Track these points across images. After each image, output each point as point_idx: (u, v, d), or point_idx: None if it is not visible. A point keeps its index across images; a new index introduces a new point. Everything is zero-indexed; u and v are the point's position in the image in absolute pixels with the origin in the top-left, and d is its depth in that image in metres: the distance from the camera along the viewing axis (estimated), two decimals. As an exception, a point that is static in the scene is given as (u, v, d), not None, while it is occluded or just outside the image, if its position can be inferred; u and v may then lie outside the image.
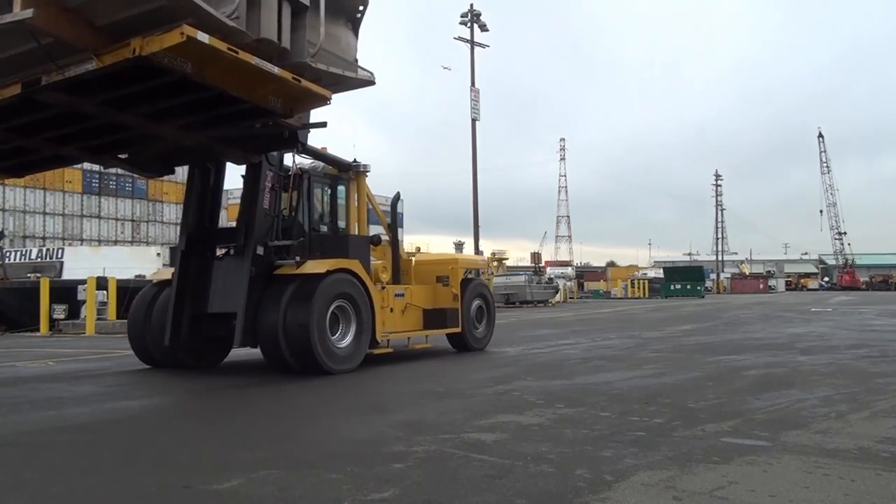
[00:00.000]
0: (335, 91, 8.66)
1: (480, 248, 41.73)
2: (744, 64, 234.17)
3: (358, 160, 11.38)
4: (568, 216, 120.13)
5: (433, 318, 11.90)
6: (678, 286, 62.56)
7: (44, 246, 31.44)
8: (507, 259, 54.62)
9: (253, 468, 4.53)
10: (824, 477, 4.20)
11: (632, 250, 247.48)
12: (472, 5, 39.88)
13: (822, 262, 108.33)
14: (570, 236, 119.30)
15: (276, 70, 7.29)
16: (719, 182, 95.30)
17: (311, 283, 9.11)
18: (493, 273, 45.23)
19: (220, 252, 10.23)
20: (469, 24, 39.86)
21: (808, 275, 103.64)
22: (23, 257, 26.27)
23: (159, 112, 8.03)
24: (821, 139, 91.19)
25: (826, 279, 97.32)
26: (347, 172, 11.27)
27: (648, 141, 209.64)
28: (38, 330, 19.85)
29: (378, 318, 10.27)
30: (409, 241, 43.99)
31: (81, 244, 34.61)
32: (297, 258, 9.46)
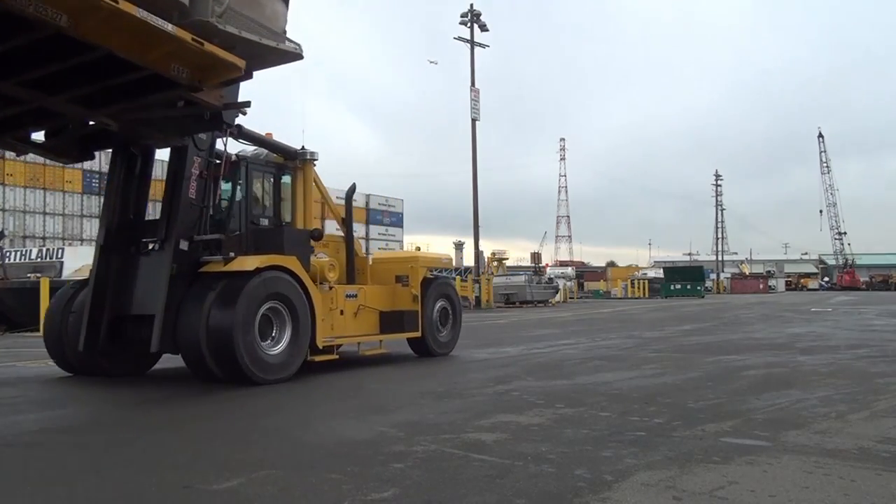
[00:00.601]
0: (259, 66, 7.83)
1: (481, 248, 41.78)
2: (744, 64, 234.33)
3: (306, 147, 10.52)
4: (568, 216, 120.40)
5: (390, 322, 10.97)
6: (678, 286, 62.57)
7: (44, 246, 31.43)
8: (507, 259, 54.64)
9: (253, 468, 4.53)
10: (824, 477, 4.20)
11: (632, 250, 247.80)
12: (472, 5, 39.91)
13: (822, 262, 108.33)
14: (570, 236, 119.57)
15: (169, 27, 6.37)
16: (719, 182, 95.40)
17: (239, 283, 8.26)
18: (493, 273, 45.28)
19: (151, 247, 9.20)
20: (469, 24, 39.89)
21: (808, 275, 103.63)
22: (23, 257, 26.26)
23: (44, 80, 7.04)
24: (821, 139, 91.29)
25: (826, 279, 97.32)
26: (294, 161, 10.41)
27: (649, 141, 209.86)
28: (38, 330, 19.84)
29: (325, 322, 9.54)
30: (408, 242, 43.93)
31: (81, 244, 34.59)
32: (231, 254, 8.58)
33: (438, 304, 11.92)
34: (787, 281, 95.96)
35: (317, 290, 9.35)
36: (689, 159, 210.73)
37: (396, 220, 39.49)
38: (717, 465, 4.50)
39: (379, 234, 38.25)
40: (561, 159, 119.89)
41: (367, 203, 37.63)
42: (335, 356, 9.74)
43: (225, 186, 9.66)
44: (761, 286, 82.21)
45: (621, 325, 20.50)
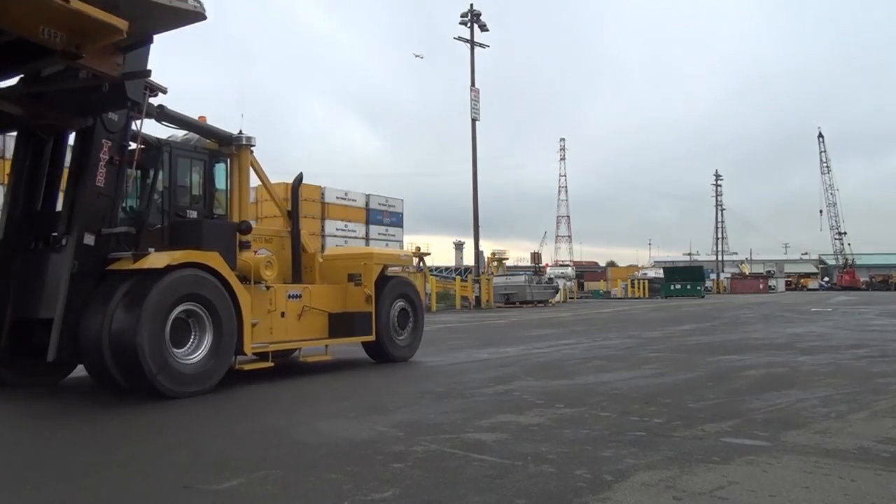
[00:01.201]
0: (155, 27, 7.11)
1: (481, 248, 41.78)
2: (745, 63, 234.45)
3: (244, 132, 9.56)
4: (568, 216, 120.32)
5: (341, 324, 10.09)
6: (678, 286, 62.56)
7: None
8: (507, 259, 54.64)
9: (253, 468, 4.54)
10: (824, 477, 4.20)
11: (632, 250, 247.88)
12: (472, 5, 39.89)
13: (822, 262, 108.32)
14: (570, 236, 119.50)
15: None
16: (719, 182, 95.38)
17: (147, 282, 7.35)
18: (493, 273, 45.29)
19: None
20: (469, 24, 39.87)
21: (808, 275, 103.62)
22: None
23: None
24: (821, 139, 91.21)
25: (826, 279, 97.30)
26: (229, 147, 9.45)
27: (649, 141, 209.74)
28: None
29: (262, 326, 8.80)
30: (408, 241, 43.92)
31: None
32: (151, 250, 7.68)
33: (397, 305, 11.05)
34: (787, 281, 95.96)
35: (245, 290, 8.41)
36: (690, 159, 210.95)
37: (396, 220, 39.45)
38: (717, 465, 4.50)
39: (379, 234, 38.21)
40: (561, 159, 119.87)
41: (367, 203, 37.59)
42: (269, 364, 8.90)
43: (143, 174, 8.78)
44: (761, 286, 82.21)
45: (621, 325, 20.50)
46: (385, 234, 38.47)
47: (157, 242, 8.14)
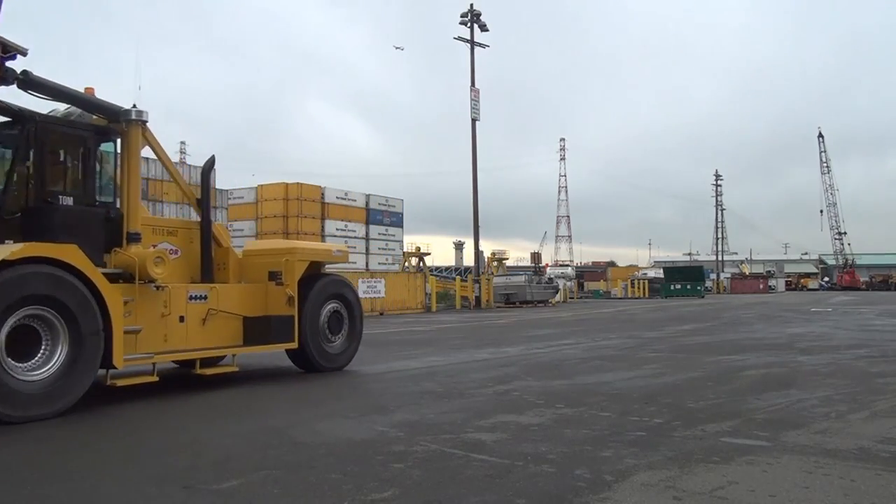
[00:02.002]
0: None
1: (481, 248, 41.81)
2: (745, 63, 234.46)
3: (137, 105, 8.21)
4: (568, 216, 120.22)
5: (257, 330, 8.81)
6: (678, 286, 62.57)
7: None
8: (507, 259, 54.67)
9: (253, 468, 4.54)
10: (824, 477, 4.20)
11: (632, 250, 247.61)
12: (472, 5, 39.89)
13: (822, 262, 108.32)
14: (569, 236, 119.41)
15: None
16: (719, 182, 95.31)
17: None
18: (493, 273, 45.31)
19: None
20: (469, 24, 39.87)
21: (808, 275, 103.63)
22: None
23: None
24: (821, 139, 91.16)
25: (826, 279, 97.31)
26: (118, 124, 8.10)
27: (648, 141, 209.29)
28: None
29: (152, 332, 7.68)
30: (408, 242, 43.82)
31: None
32: (10, 242, 6.68)
33: (328, 307, 9.72)
34: (787, 281, 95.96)
35: (114, 290, 7.12)
36: (690, 159, 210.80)
37: (396, 220, 39.47)
38: (717, 465, 4.50)
39: (379, 234, 38.24)
40: (561, 159, 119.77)
41: (367, 203, 37.63)
42: (152, 378, 7.61)
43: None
44: (761, 286, 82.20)
45: (621, 326, 20.50)
46: (385, 234, 38.50)
47: (17, 234, 7.05)
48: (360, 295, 31.14)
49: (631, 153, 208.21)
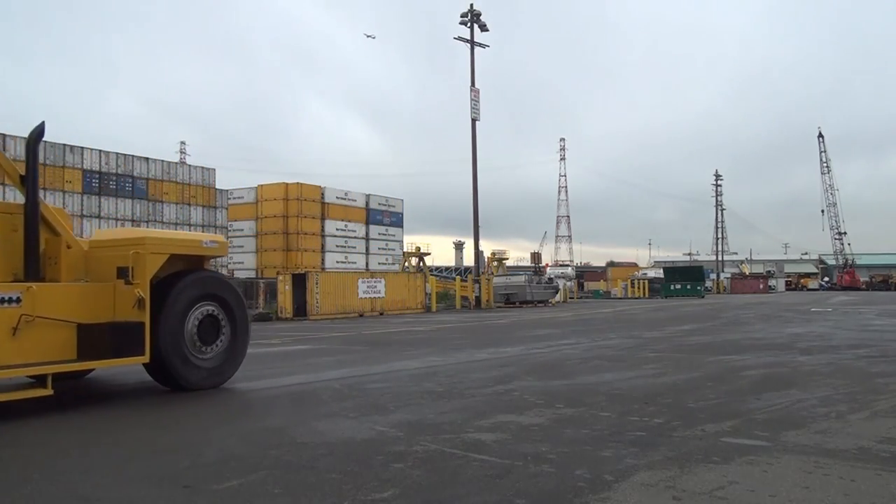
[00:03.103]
0: None
1: (481, 248, 41.81)
2: (745, 63, 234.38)
3: None
4: (568, 216, 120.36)
5: (95, 341, 7.08)
6: (678, 286, 62.59)
7: (44, 246, 31.28)
8: (507, 259, 54.64)
9: (253, 468, 4.54)
10: (824, 477, 4.20)
11: (632, 250, 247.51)
12: (472, 5, 39.89)
13: (822, 262, 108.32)
14: (570, 236, 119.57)
15: None
16: (719, 182, 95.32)
17: None
18: (493, 273, 45.29)
19: None
20: (469, 24, 39.88)
21: (808, 275, 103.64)
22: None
23: None
24: (821, 139, 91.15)
25: (826, 279, 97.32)
26: None
27: (648, 141, 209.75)
28: None
29: None
30: (408, 242, 43.77)
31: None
32: None
33: (198, 311, 8.06)
34: (787, 281, 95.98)
35: None
36: (690, 159, 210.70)
37: (396, 220, 39.52)
38: (717, 465, 4.50)
39: (379, 234, 38.31)
40: (561, 159, 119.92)
41: (367, 203, 37.68)
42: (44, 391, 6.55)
43: None
44: (761, 286, 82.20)
45: (621, 326, 20.50)
46: (385, 234, 38.56)
47: None
48: (361, 295, 31.23)
49: (631, 153, 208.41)
